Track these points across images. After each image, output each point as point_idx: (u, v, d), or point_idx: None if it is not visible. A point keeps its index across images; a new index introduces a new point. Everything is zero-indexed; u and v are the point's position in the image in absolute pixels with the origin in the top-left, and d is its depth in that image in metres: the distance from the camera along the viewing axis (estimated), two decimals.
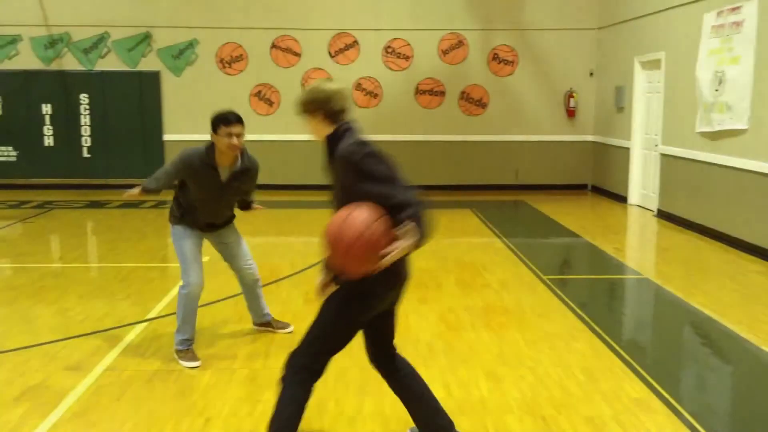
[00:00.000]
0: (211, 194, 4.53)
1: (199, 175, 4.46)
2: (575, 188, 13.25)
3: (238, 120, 4.47)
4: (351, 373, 4.34)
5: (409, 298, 6.06)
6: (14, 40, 12.56)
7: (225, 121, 4.42)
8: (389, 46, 12.85)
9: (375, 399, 4.02)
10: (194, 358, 4.53)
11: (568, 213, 10.71)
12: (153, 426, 3.67)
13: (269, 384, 4.19)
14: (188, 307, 4.59)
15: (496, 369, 4.50)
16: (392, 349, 3.32)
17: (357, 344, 3.21)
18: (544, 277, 6.84)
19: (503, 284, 6.62)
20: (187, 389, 4.13)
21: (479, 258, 7.76)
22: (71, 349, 4.77)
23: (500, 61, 13.02)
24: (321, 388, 4.10)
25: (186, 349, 4.59)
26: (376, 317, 3.14)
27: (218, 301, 5.94)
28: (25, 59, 12.61)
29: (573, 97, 12.96)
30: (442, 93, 13.03)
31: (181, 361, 4.52)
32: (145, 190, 4.61)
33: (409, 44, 12.85)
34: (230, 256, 4.90)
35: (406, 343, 4.97)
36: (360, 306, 3.01)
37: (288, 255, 7.95)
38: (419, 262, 7.42)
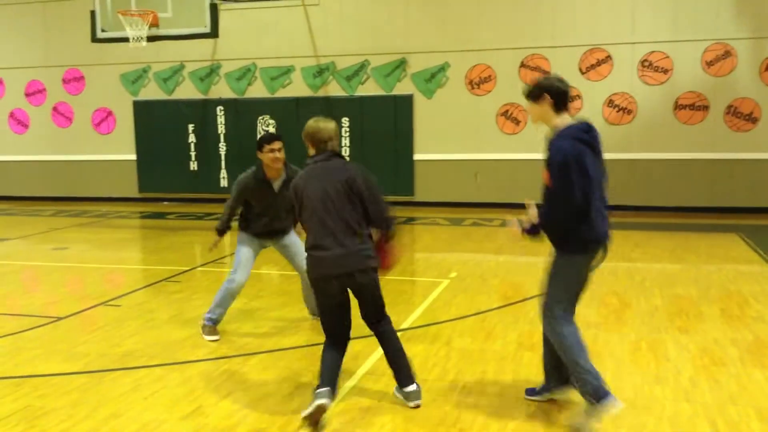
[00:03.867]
0: (269, 204, 5.42)
1: (256, 191, 5.40)
2: None
3: (277, 138, 5.35)
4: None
5: (667, 327, 5.73)
6: (288, 71, 14.01)
7: (267, 140, 5.32)
8: (646, 60, 12.22)
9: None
10: (214, 333, 5.54)
11: None
12: (411, 430, 3.85)
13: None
14: (226, 297, 5.55)
15: None
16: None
17: None
18: None
19: None
20: (439, 400, 4.26)
21: (748, 287, 7.03)
22: None
23: None
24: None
25: (210, 325, 5.56)
26: None
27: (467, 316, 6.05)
28: (297, 87, 13.99)
29: None
30: (706, 107, 12.07)
31: (204, 335, 5.53)
32: (220, 233, 5.62)
33: (668, 56, 12.11)
34: (291, 255, 5.66)
35: (666, 373, 4.66)
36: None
37: (534, 274, 7.85)
38: (677, 289, 6.98)
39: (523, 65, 12.78)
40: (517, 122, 12.85)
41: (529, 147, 12.79)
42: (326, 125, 4.13)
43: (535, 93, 3.84)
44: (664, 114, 12.24)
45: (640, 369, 4.79)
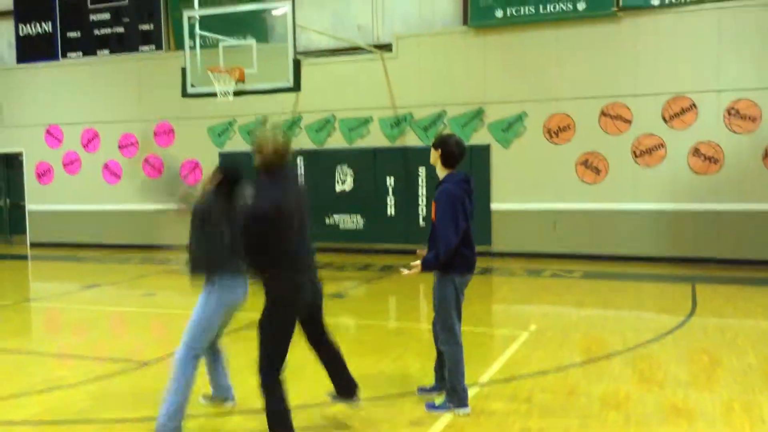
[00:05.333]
0: None
1: None
2: None
3: None
4: None
5: (762, 387, 5.43)
6: (366, 121, 14.29)
7: None
8: (732, 108, 11.86)
9: None
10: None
11: None
12: None
13: None
14: None
15: None
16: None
17: None
18: None
19: None
20: None
21: None
22: (413, 403, 5.11)
23: None
24: None
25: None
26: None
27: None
28: (375, 137, 14.22)
29: None
30: None
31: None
32: None
33: (756, 104, 11.72)
34: None
35: None
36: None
37: (618, 329, 7.61)
38: None
39: (603, 114, 12.61)
40: (597, 171, 12.63)
41: (610, 197, 12.53)
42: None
43: (436, 143, 4.99)
44: (752, 163, 11.79)
45: (734, 431, 4.53)
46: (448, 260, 4.76)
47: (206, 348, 4.70)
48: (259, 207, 4.03)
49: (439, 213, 4.83)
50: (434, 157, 4.99)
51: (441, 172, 4.98)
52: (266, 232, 3.99)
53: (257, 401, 5.30)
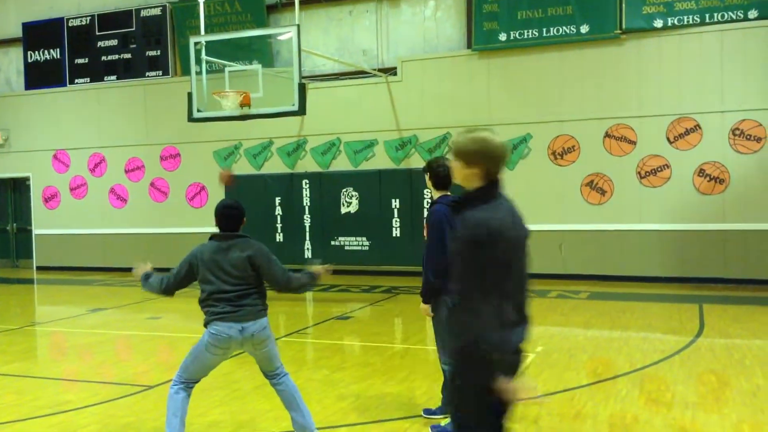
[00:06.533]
0: None
1: None
2: None
3: None
4: None
5: None
6: (371, 144, 14.34)
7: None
8: (737, 128, 11.87)
9: None
10: None
11: None
12: None
13: None
14: None
15: None
16: None
17: None
18: None
19: None
20: None
21: None
22: (419, 425, 5.07)
23: None
24: None
25: None
26: None
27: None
28: (380, 160, 14.27)
29: None
30: None
31: None
32: None
33: (761, 125, 11.73)
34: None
35: None
36: None
37: (625, 350, 7.56)
38: None
39: (607, 135, 12.64)
40: (602, 192, 12.63)
41: (616, 217, 12.52)
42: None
43: (424, 167, 5.20)
44: (758, 183, 11.77)
45: None
46: (440, 281, 4.76)
47: (195, 382, 4.73)
48: (476, 228, 2.89)
49: (428, 234, 4.98)
50: (427, 180, 5.17)
51: (435, 195, 5.15)
52: (477, 260, 2.86)
53: (264, 424, 5.28)
